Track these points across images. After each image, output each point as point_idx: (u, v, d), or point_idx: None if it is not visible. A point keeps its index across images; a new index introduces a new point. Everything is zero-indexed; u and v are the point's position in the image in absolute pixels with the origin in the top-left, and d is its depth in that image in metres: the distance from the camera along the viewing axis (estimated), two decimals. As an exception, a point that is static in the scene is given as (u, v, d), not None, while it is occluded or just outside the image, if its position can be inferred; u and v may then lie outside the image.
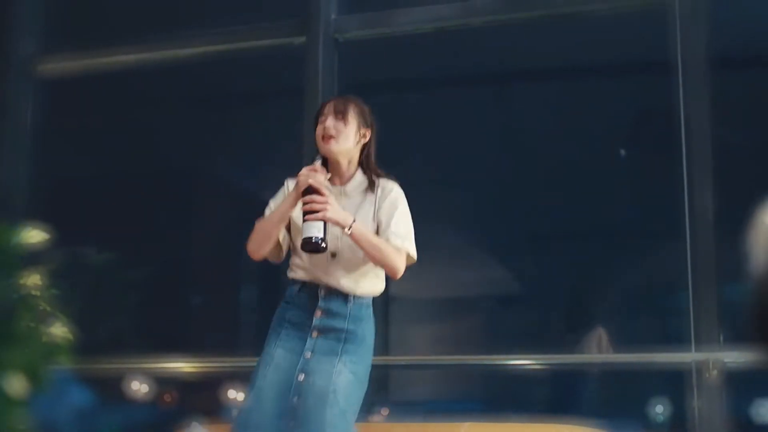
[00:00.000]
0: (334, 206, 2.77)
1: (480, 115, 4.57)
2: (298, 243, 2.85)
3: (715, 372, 3.63)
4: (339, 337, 2.81)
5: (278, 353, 2.83)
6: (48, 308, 3.63)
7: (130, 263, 5.07)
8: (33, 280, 3.61)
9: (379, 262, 2.82)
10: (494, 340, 4.49)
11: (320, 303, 2.85)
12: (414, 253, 2.88)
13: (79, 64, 4.92)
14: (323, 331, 2.82)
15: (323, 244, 2.73)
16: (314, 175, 2.82)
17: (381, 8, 4.52)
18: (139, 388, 4.67)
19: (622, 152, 4.50)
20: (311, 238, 2.71)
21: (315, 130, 2.96)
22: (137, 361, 4.61)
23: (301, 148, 4.13)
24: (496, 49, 4.48)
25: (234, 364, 4.59)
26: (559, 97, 4.52)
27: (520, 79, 4.66)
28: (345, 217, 2.78)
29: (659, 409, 4.07)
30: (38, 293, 3.60)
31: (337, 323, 2.83)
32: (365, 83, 4.57)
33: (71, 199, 5.03)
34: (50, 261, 3.69)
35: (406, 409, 4.74)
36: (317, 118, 2.96)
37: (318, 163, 2.89)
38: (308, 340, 2.81)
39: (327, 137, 2.88)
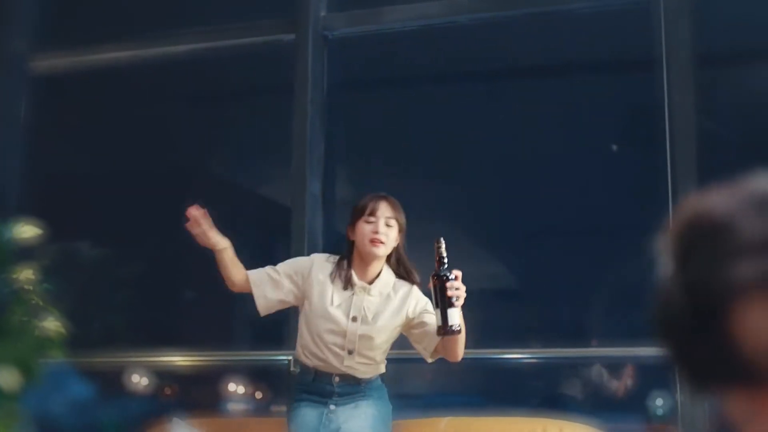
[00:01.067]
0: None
1: (469, 112, 4.60)
2: (314, 327, 2.95)
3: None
4: (357, 397, 2.97)
5: (304, 411, 2.97)
6: (40, 303, 3.66)
7: (124, 258, 5.10)
8: (26, 274, 3.63)
9: (455, 357, 2.90)
10: (491, 334, 4.53)
11: (336, 388, 2.96)
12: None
13: (70, 60, 4.94)
14: (342, 396, 2.97)
15: (459, 330, 2.80)
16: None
17: (370, 6, 4.55)
18: (137, 381, 4.71)
19: (614, 147, 4.54)
20: (453, 326, 2.77)
21: (353, 222, 2.98)
22: (132, 355, 4.64)
23: (290, 145, 4.18)
24: (483, 46, 4.52)
25: (229, 358, 4.63)
26: (547, 94, 4.55)
27: (507, 76, 4.69)
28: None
29: (659, 402, 4.10)
30: (31, 288, 3.63)
31: (354, 392, 2.97)
32: (354, 80, 4.61)
33: (64, 194, 5.05)
34: (43, 256, 3.72)
35: (404, 403, 4.78)
36: (363, 210, 2.97)
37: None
38: (329, 401, 2.96)
39: (378, 242, 2.91)
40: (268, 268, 3.00)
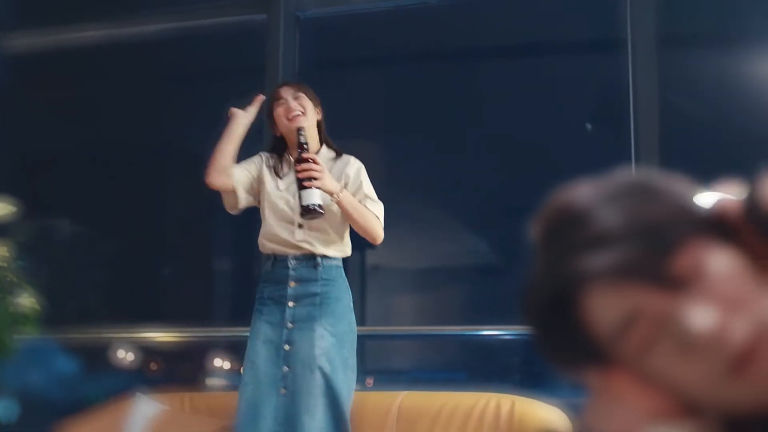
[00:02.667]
0: (326, 174, 2.93)
1: (441, 91, 4.66)
2: (268, 213, 3.05)
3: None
4: (314, 302, 2.96)
5: (264, 328, 2.99)
6: (15, 279, 3.71)
7: (100, 235, 5.14)
8: (0, 252, 3.68)
9: (362, 227, 2.99)
10: (474, 310, 4.59)
11: (291, 273, 2.99)
12: (382, 222, 3.04)
13: (42, 39, 4.95)
14: (298, 299, 2.97)
15: (321, 210, 2.91)
16: (299, 121, 3.03)
17: (341, -14, 4.59)
18: (116, 357, 4.75)
19: (588, 126, 4.60)
20: (309, 205, 2.90)
21: (269, 116, 3.13)
22: (110, 331, 4.69)
23: (261, 125, 4.21)
24: (452, 27, 4.56)
25: (209, 334, 4.68)
26: (515, 73, 4.61)
27: (477, 56, 4.74)
28: (336, 185, 2.95)
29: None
30: (5, 265, 3.68)
31: (311, 288, 2.97)
32: (326, 60, 4.65)
33: (39, 172, 5.08)
34: (17, 233, 3.77)
35: (388, 378, 4.84)
36: (270, 101, 3.14)
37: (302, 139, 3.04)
38: (287, 311, 2.97)
39: (294, 115, 3.04)
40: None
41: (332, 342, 2.92)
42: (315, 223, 2.99)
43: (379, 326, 4.79)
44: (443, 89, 4.65)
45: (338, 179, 3.03)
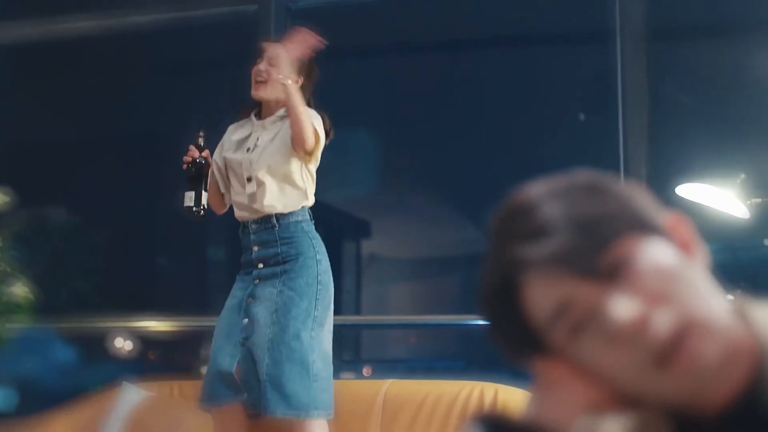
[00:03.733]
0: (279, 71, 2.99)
1: (431, 81, 4.68)
2: (233, 182, 3.08)
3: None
4: (277, 261, 2.98)
5: (236, 291, 3.05)
6: (8, 269, 3.73)
7: (95, 225, 5.16)
8: (-7, 241, 3.71)
9: (298, 126, 2.93)
10: (470, 299, 4.63)
11: (253, 237, 3.02)
12: (322, 137, 3.01)
13: (36, 29, 4.95)
14: (264, 261, 3.00)
15: (201, 212, 3.06)
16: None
17: (332, -24, 4.61)
18: (111, 346, 4.78)
19: (581, 116, 4.63)
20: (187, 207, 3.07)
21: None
22: (104, 320, 4.71)
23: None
24: (443, 17, 4.58)
25: (204, 323, 4.70)
26: (505, 63, 4.63)
27: (467, 46, 4.76)
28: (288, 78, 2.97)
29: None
30: (-2, 254, 3.70)
31: (271, 250, 2.99)
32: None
33: (32, 161, 5.10)
34: (11, 223, 3.79)
35: (387, 367, 4.87)
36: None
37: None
38: (254, 272, 3.01)
39: (257, 82, 3.05)
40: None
41: (290, 295, 2.93)
42: (261, 173, 2.98)
43: (376, 315, 4.83)
44: (436, 80, 4.68)
45: (287, 132, 2.99)
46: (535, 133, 4.50)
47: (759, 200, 3.75)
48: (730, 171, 3.89)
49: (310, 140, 2.93)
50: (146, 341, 4.88)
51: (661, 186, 3.99)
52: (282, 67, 3.01)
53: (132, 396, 3.53)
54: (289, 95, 2.95)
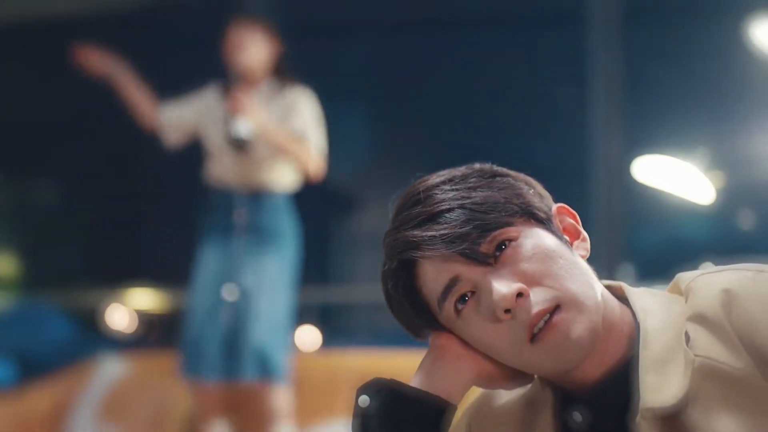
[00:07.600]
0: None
1: (416, 59, 4.73)
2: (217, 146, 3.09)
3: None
4: (260, 231, 3.03)
5: (210, 258, 3.07)
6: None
7: (81, 199, 5.20)
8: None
9: (298, 163, 3.00)
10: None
11: (235, 207, 3.05)
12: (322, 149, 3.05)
13: (19, 7, 4.96)
14: (247, 231, 3.04)
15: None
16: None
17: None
18: (100, 319, 4.80)
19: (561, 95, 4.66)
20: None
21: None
22: (92, 293, 4.75)
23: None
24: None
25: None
26: (483, 44, 4.67)
27: (446, 25, 4.80)
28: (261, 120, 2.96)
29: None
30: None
31: (256, 220, 3.04)
32: (303, 29, 4.69)
33: (18, 137, 5.12)
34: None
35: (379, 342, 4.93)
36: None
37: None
38: (234, 240, 3.04)
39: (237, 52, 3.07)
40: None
41: (270, 265, 3.02)
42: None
43: (371, 296, 4.86)
44: (417, 57, 4.72)
45: (275, 113, 3.03)
46: (510, 111, 4.56)
47: (722, 173, 3.82)
48: (698, 145, 3.97)
49: (316, 166, 3.01)
50: (133, 314, 4.92)
51: (632, 159, 4.07)
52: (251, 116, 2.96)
53: (110, 369, 3.59)
54: (269, 140, 2.96)
